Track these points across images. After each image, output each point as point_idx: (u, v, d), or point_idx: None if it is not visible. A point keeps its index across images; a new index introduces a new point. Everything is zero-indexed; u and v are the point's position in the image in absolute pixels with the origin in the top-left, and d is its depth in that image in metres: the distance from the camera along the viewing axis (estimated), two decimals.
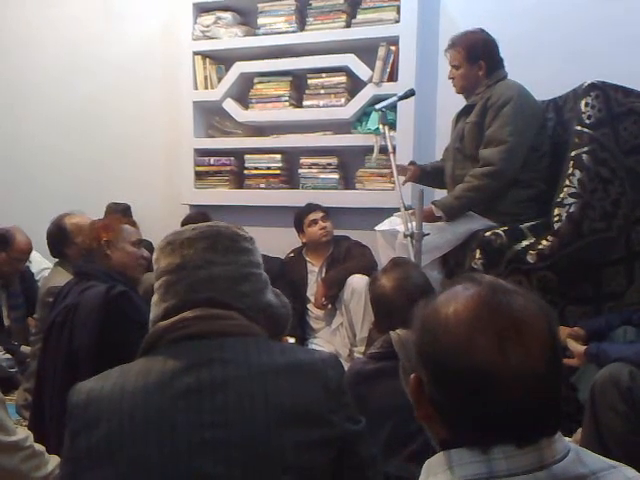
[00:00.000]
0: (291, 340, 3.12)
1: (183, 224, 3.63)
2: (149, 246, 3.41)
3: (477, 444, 0.71)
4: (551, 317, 0.75)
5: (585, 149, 2.34)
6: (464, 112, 2.75)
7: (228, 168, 3.83)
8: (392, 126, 3.25)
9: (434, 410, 0.75)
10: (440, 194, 3.00)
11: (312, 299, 3.36)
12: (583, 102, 2.39)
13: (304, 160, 3.70)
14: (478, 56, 2.66)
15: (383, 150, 2.81)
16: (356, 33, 3.45)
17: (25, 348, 3.11)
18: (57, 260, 2.81)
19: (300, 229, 3.44)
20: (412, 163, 2.95)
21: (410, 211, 2.52)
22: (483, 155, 2.56)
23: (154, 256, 1.11)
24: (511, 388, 0.69)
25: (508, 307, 0.72)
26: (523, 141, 2.54)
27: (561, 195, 2.35)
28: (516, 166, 2.54)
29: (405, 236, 2.41)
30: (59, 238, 2.74)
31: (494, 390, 0.70)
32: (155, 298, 1.08)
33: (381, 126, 2.77)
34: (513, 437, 0.70)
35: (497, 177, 2.53)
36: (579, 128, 2.38)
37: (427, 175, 2.94)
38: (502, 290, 0.75)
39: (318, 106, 3.59)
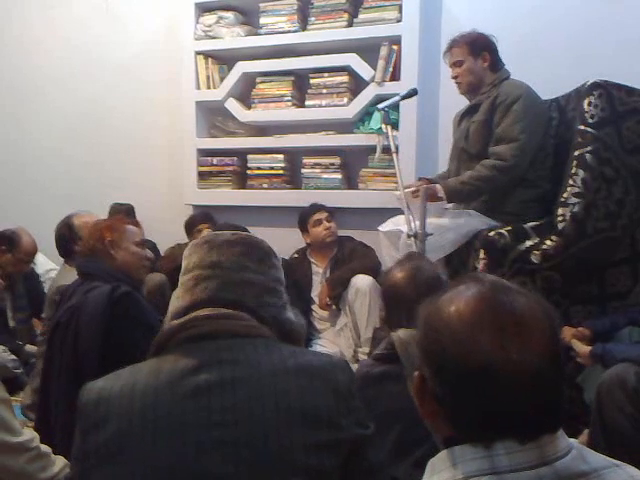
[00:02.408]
0: None
1: (186, 225, 3.64)
2: (152, 247, 3.42)
3: (480, 440, 0.72)
4: (553, 316, 0.76)
5: (588, 148, 2.34)
6: (468, 112, 2.74)
7: (231, 168, 3.83)
8: (395, 126, 3.25)
9: (438, 407, 0.76)
10: None
11: (316, 300, 3.36)
12: (586, 101, 2.38)
13: (307, 160, 3.70)
14: (481, 48, 2.67)
15: (386, 150, 2.81)
16: (358, 32, 3.45)
17: (30, 347, 3.12)
18: (65, 259, 2.83)
19: (304, 229, 3.44)
20: (421, 179, 2.87)
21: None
22: (495, 151, 2.56)
23: (185, 252, 1.11)
24: (512, 384, 0.70)
25: (509, 305, 0.74)
26: (533, 139, 2.54)
27: (565, 195, 2.34)
28: (526, 164, 2.55)
29: (409, 236, 2.41)
30: (67, 237, 2.80)
31: (496, 386, 0.71)
32: (179, 291, 1.08)
33: (384, 126, 2.76)
34: (515, 433, 0.71)
35: (507, 173, 2.53)
36: (582, 127, 2.37)
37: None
38: (504, 289, 0.77)
39: (320, 106, 3.58)
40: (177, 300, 1.07)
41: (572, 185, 2.33)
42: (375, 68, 3.43)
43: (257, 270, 1.08)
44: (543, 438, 0.72)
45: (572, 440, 0.77)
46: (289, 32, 3.60)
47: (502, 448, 0.71)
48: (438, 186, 2.60)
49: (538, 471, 0.70)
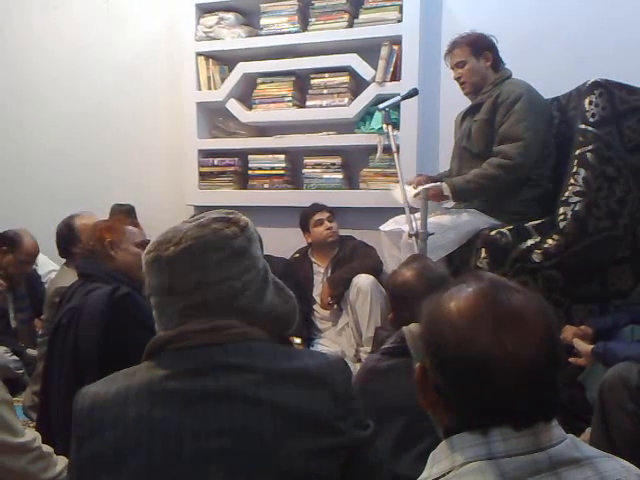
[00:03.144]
0: (297, 340, 3.13)
1: None
2: None
3: (478, 427, 0.76)
4: (549, 313, 0.79)
5: (589, 147, 2.34)
6: (470, 111, 2.75)
7: (232, 169, 3.84)
8: (395, 125, 3.25)
9: (438, 396, 0.80)
10: None
11: (318, 299, 3.36)
12: (587, 100, 2.39)
13: (308, 160, 3.70)
14: (482, 47, 2.68)
15: (387, 149, 2.82)
16: (359, 33, 3.45)
17: (31, 351, 3.11)
18: (65, 261, 2.83)
19: (306, 229, 3.45)
20: (420, 176, 2.90)
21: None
22: (500, 149, 2.55)
23: (144, 268, 1.05)
24: (509, 376, 0.74)
25: (507, 302, 0.77)
26: (537, 137, 2.54)
27: (566, 194, 2.35)
28: (532, 162, 2.54)
29: (410, 236, 2.41)
30: (67, 237, 2.79)
31: (493, 377, 0.74)
32: (154, 313, 1.06)
33: (384, 125, 2.77)
34: (511, 420, 0.75)
35: (513, 171, 2.52)
36: (583, 126, 2.37)
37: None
38: (502, 286, 0.80)
39: (321, 106, 3.58)
40: (157, 325, 1.05)
41: (573, 184, 2.33)
42: (376, 68, 3.43)
43: (218, 279, 0.99)
44: (538, 426, 0.75)
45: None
46: (290, 33, 3.60)
47: (498, 435, 0.75)
48: (444, 184, 2.60)
49: (533, 456, 0.73)
